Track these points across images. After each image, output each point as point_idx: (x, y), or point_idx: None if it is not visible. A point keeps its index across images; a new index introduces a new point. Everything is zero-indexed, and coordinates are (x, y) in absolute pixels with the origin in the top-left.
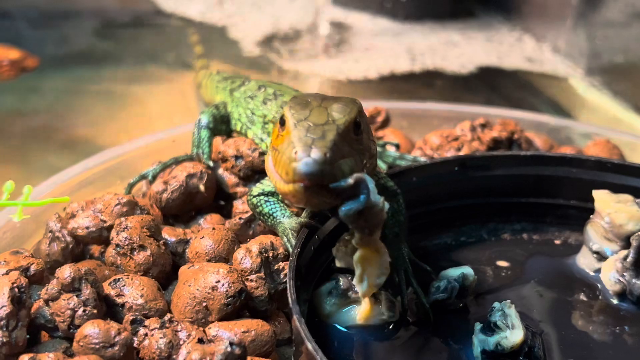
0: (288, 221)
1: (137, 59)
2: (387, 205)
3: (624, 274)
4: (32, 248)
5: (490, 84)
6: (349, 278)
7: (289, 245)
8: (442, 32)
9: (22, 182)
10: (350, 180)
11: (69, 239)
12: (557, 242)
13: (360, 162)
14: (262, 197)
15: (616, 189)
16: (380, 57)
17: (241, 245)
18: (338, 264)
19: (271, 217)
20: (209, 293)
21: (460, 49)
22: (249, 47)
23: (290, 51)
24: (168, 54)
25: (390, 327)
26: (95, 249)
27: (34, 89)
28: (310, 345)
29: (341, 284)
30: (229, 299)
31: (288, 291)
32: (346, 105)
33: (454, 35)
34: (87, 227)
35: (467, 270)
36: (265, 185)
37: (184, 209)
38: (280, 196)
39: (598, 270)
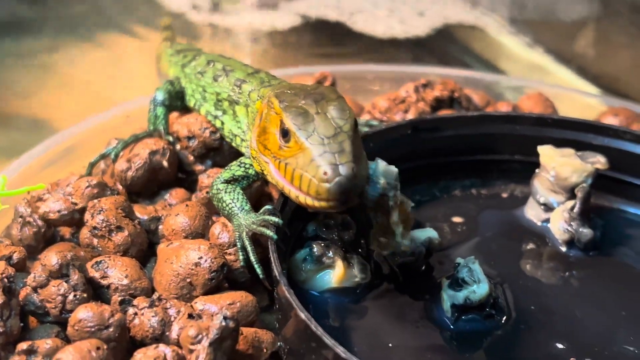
0: (245, 216)
1: (64, 24)
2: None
3: (572, 223)
4: (1, 233)
5: (415, 39)
6: (322, 244)
7: (238, 244)
8: None
9: None
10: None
11: (40, 223)
12: (504, 195)
13: (365, 157)
14: (229, 184)
15: (557, 142)
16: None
17: (216, 219)
18: (385, 252)
19: (228, 207)
20: (192, 269)
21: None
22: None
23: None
24: (95, 19)
25: (363, 288)
26: (65, 231)
27: None
28: (303, 314)
29: (315, 250)
30: (213, 274)
31: (273, 264)
32: (342, 107)
33: None
34: (58, 211)
35: (432, 233)
36: (234, 170)
37: (148, 185)
38: (242, 184)
39: (546, 221)
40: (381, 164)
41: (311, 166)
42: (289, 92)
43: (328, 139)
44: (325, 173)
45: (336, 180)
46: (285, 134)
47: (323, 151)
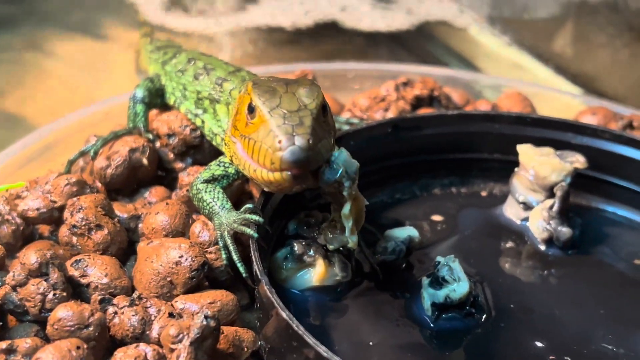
0: (226, 215)
1: (41, 19)
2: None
3: (550, 222)
4: None
5: (393, 37)
6: (303, 243)
7: (220, 243)
8: None
9: None
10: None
11: (19, 221)
12: (483, 193)
13: (331, 141)
14: (209, 184)
15: (536, 141)
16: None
17: (196, 218)
18: (331, 247)
19: (209, 207)
20: (172, 268)
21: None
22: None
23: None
24: (72, 15)
25: (343, 287)
26: (43, 229)
27: None
28: (284, 313)
29: (296, 249)
30: (193, 273)
31: (254, 263)
32: (311, 89)
33: None
34: (37, 209)
35: (413, 232)
36: (213, 169)
37: (128, 183)
38: (221, 183)
39: (525, 219)
40: (345, 153)
41: (269, 137)
42: (266, 78)
43: (290, 113)
44: (279, 142)
45: (289, 149)
46: (251, 110)
47: (282, 122)
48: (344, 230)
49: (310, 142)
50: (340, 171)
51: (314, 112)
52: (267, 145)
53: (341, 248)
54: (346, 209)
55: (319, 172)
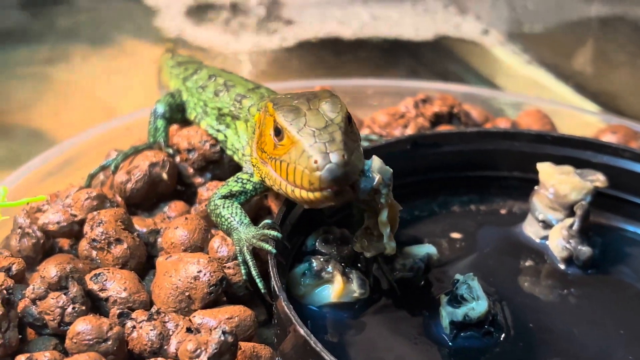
0: (245, 230)
1: (63, 34)
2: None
3: (570, 240)
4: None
5: (412, 53)
6: (321, 259)
7: (240, 258)
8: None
9: None
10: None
11: (39, 234)
12: (503, 211)
13: (361, 150)
14: (226, 199)
15: (556, 160)
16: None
17: (215, 233)
18: (368, 254)
19: (227, 222)
20: (191, 283)
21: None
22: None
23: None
24: (93, 30)
25: (361, 303)
26: (64, 242)
27: None
28: (302, 330)
29: (314, 265)
30: (212, 288)
31: (272, 278)
32: (334, 102)
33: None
34: (58, 222)
35: (431, 249)
36: (231, 185)
37: (147, 197)
38: (239, 199)
39: (544, 238)
40: (377, 161)
41: (302, 157)
42: (284, 96)
43: (319, 131)
44: (315, 161)
45: (327, 167)
46: (278, 132)
47: (314, 142)
48: (380, 237)
49: (345, 157)
50: (376, 179)
51: (342, 125)
52: (302, 167)
53: (359, 264)
54: (383, 215)
55: (356, 184)
